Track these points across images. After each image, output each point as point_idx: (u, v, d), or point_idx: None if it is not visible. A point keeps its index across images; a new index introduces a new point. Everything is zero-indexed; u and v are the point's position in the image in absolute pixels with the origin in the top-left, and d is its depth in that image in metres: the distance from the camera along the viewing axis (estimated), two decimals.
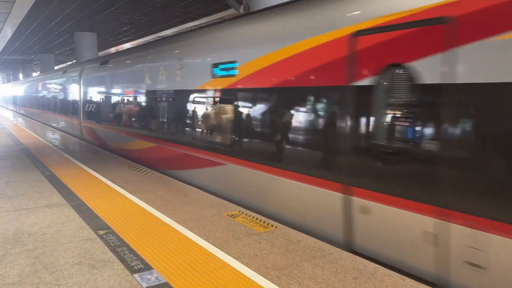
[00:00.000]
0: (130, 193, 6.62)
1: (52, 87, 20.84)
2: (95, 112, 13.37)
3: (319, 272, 3.74)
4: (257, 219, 5.29)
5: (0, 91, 58.80)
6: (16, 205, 6.03)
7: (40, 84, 24.67)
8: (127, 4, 16.36)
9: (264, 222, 5.16)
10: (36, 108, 25.69)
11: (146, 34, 25.47)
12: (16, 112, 35.59)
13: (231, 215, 5.44)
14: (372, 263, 3.94)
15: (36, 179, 7.72)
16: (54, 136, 15.73)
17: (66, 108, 17.25)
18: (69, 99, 16.86)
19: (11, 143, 13.34)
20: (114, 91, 11.95)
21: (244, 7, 10.91)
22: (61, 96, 18.61)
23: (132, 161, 9.69)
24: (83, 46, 23.44)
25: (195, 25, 20.52)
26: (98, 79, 13.28)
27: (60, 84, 18.94)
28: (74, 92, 15.88)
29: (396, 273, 3.71)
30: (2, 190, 6.93)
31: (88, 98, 14.13)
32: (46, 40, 27.22)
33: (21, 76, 50.43)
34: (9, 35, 23.03)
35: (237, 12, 11.66)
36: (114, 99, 11.94)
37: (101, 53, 27.39)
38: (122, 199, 6.26)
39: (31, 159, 9.95)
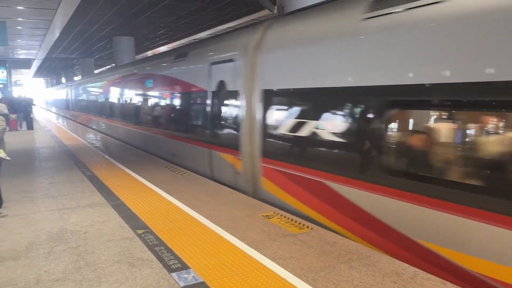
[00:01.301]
0: (167, 193, 6.75)
1: (152, 86, 11.96)
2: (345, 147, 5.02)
3: (356, 275, 3.68)
4: (292, 220, 5.26)
5: (46, 93, 58.50)
6: (60, 204, 6.28)
7: (122, 81, 15.64)
8: (163, 8, 16.71)
9: (299, 223, 5.14)
10: (108, 118, 17.55)
11: (181, 37, 25.93)
12: (70, 119, 28.73)
13: (266, 216, 5.45)
14: (411, 266, 3.84)
15: (78, 179, 8.01)
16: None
17: (196, 126, 9.16)
18: (204, 109, 8.45)
19: (56, 146, 13.91)
20: None
21: (278, 8, 10.90)
22: (176, 102, 10.31)
23: None
24: (122, 50, 24.13)
25: (229, 27, 20.70)
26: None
27: (171, 80, 10.52)
28: (227, 96, 7.62)
29: (436, 277, 3.60)
30: (47, 189, 7.23)
31: (300, 107, 5.85)
32: (86, 45, 28.20)
33: (63, 80, 52.12)
34: (52, 41, 24.01)
35: (271, 13, 11.67)
36: None
37: (138, 57, 28.10)
38: (159, 199, 6.40)
39: (73, 160, 10.33)
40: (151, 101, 12.25)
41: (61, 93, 36.46)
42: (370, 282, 3.54)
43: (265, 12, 16.74)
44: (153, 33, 24.12)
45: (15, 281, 3.73)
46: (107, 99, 18.32)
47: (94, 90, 22.00)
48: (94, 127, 21.17)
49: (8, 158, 5.53)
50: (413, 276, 3.63)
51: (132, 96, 14.23)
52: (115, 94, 16.83)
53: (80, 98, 26.05)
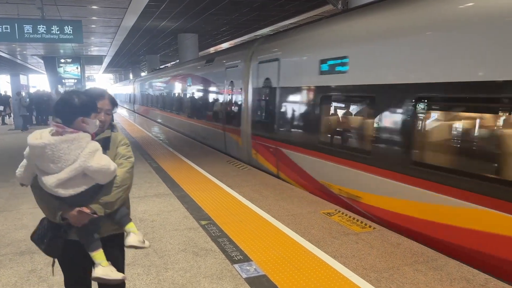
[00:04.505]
0: (228, 186, 6.90)
1: None
2: None
3: (422, 278, 3.57)
4: (354, 218, 5.19)
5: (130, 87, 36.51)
6: (130, 193, 6.62)
7: None
8: (226, 5, 16.99)
9: (361, 222, 5.05)
10: None
11: (243, 34, 26.23)
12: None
13: (327, 213, 5.41)
14: (481, 273, 3.65)
15: (146, 170, 8.41)
16: None
17: None
18: None
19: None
20: None
21: (342, 3, 10.72)
22: None
23: None
24: (186, 46, 24.86)
25: (291, 23, 20.64)
26: None
27: None
28: None
29: (510, 286, 3.40)
30: None
31: None
32: (152, 42, 29.38)
33: (131, 75, 54.22)
34: (122, 38, 25.25)
35: (334, 8, 11.49)
36: None
37: (201, 53, 28.83)
38: (221, 192, 6.56)
39: (140, 152, 10.85)
40: None
41: (179, 82, 16.92)
42: (436, 287, 3.42)
43: (328, 7, 16.50)
44: (216, 30, 24.61)
45: None
46: None
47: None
48: None
49: (146, 244, 2.60)
50: (484, 283, 3.45)
51: None
52: None
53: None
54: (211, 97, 12.45)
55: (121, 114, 32.59)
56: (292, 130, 7.46)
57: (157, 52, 36.16)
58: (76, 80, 34.57)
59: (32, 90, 31.88)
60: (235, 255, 4.12)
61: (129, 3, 14.97)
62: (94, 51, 32.85)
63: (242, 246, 4.34)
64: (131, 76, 53.58)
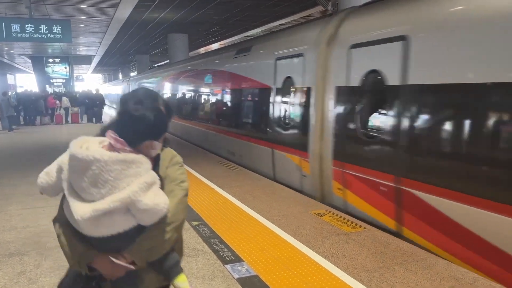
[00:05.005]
0: (219, 187, 6.89)
1: None
2: None
3: (412, 277, 3.61)
4: (344, 218, 5.22)
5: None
6: None
7: None
8: (217, 5, 16.99)
9: (352, 222, 5.09)
10: None
11: (233, 34, 26.22)
12: None
13: (318, 213, 5.44)
14: (470, 272, 3.70)
15: None
16: None
17: None
18: None
19: None
20: None
21: (333, 4, 10.77)
22: None
23: None
24: (176, 47, 24.78)
25: (281, 24, 20.71)
26: None
27: None
28: None
29: (498, 284, 3.46)
30: None
31: None
32: (142, 42, 29.24)
33: (120, 76, 53.83)
34: (112, 38, 25.08)
35: (325, 9, 11.55)
36: None
37: (191, 53, 28.75)
38: (212, 193, 6.55)
39: None
40: None
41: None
42: (426, 285, 3.46)
43: (319, 9, 16.59)
44: (206, 30, 24.58)
45: None
46: None
47: None
48: None
49: None
50: (473, 282, 3.50)
51: None
52: None
53: None
54: (246, 100, 9.31)
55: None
56: (453, 162, 4.17)
57: (147, 52, 36.01)
58: (64, 80, 34.28)
59: (19, 90, 31.52)
60: (227, 256, 4.12)
61: (118, 2, 14.88)
62: (83, 50, 32.58)
63: (234, 247, 4.35)
64: (120, 76, 53.19)
